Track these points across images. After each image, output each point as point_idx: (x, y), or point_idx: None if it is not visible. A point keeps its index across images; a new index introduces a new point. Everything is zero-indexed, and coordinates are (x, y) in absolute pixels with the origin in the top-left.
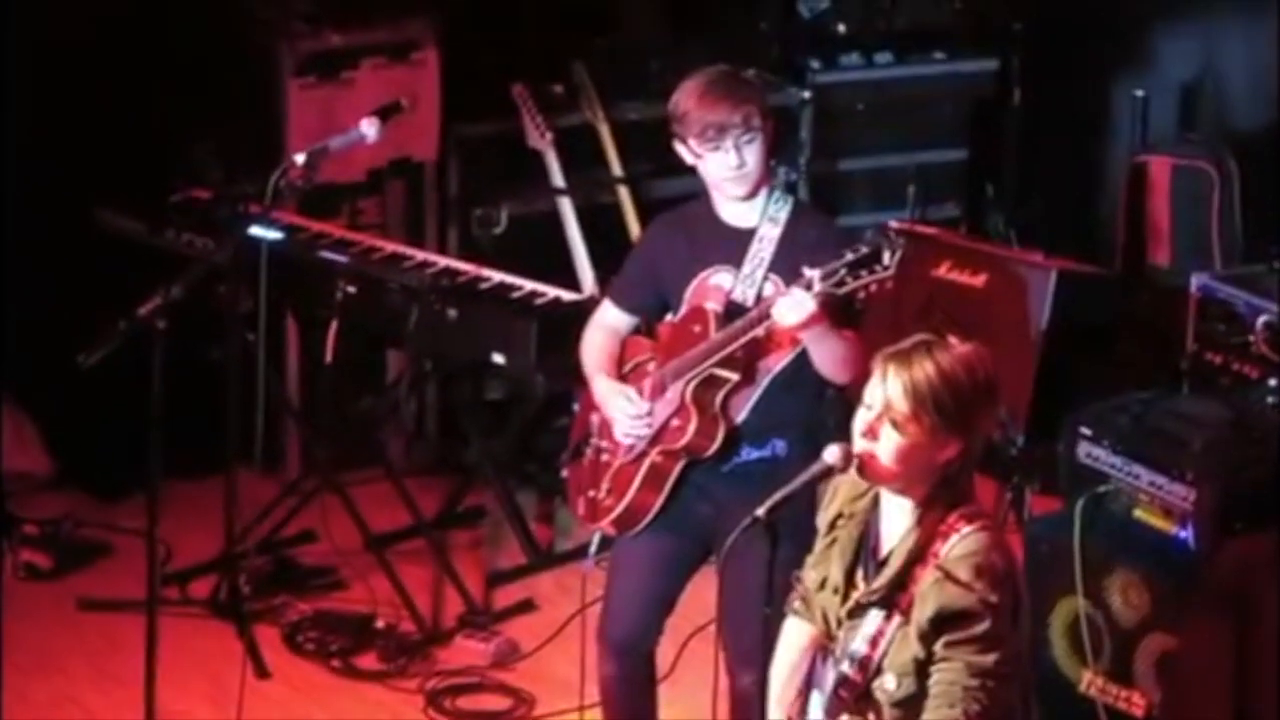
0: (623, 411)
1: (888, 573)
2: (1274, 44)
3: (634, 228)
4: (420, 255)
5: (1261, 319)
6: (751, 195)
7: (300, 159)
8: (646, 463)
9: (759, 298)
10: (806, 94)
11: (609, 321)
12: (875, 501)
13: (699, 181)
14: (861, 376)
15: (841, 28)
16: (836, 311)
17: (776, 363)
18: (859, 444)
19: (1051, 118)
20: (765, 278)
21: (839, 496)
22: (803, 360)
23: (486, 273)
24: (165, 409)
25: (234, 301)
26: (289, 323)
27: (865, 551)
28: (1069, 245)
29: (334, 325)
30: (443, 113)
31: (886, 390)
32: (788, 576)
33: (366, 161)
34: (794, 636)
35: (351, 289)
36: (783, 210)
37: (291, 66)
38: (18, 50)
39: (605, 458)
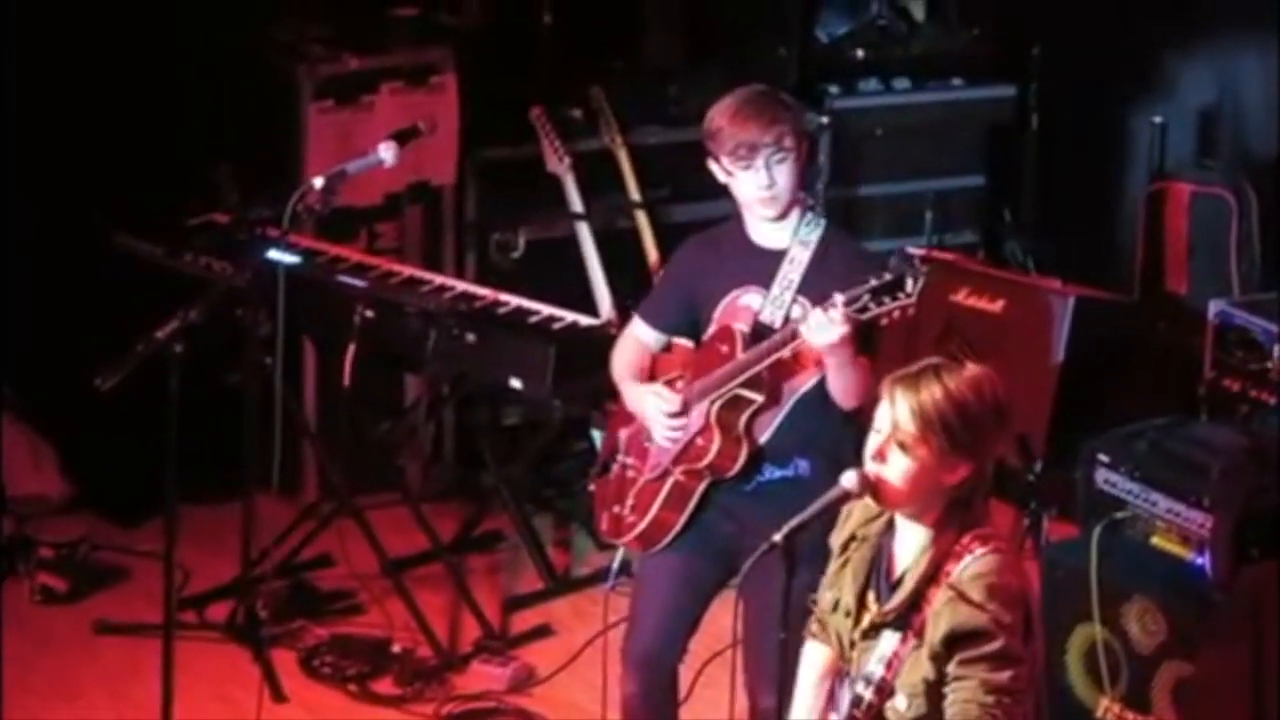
0: (656, 409)
1: (901, 594)
2: None
3: (652, 253)
4: (438, 279)
5: (1279, 346)
6: (782, 216)
7: (318, 183)
8: (670, 481)
9: (786, 319)
10: (824, 119)
11: (639, 338)
12: (889, 524)
13: (716, 207)
14: (870, 402)
15: (860, 53)
16: (859, 337)
17: (802, 384)
18: (869, 467)
19: (1069, 144)
20: (793, 300)
21: (852, 519)
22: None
23: (504, 297)
24: (182, 432)
25: (252, 325)
26: (306, 347)
27: (878, 574)
28: (1087, 271)
29: (351, 349)
30: (461, 137)
31: (895, 413)
32: (806, 601)
33: (384, 185)
34: (813, 660)
35: (369, 313)
36: (814, 233)
37: (310, 90)
38: (37, 74)
39: (631, 474)
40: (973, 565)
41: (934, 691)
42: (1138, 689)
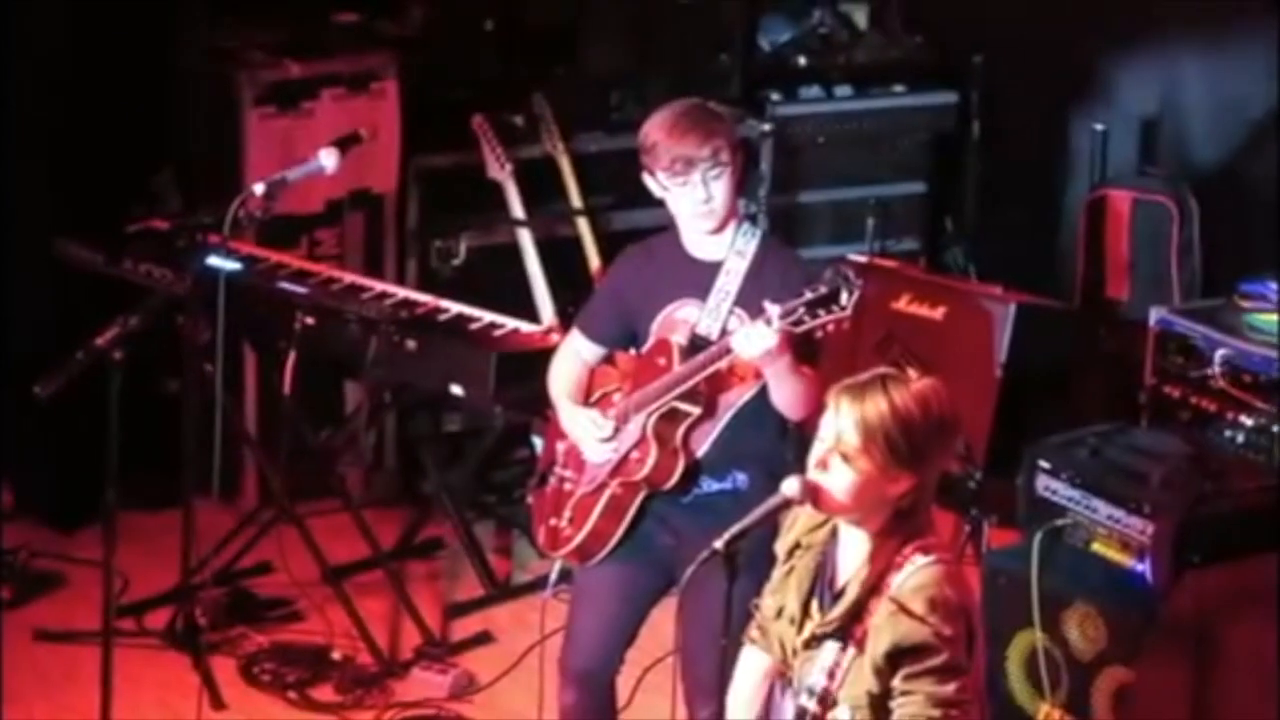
0: (588, 434)
1: (843, 604)
2: (1234, 78)
3: (594, 260)
4: (379, 286)
5: (1220, 353)
6: (719, 229)
7: (259, 189)
8: (607, 493)
9: (724, 331)
10: (767, 126)
11: (577, 350)
12: (833, 532)
13: (659, 215)
14: (818, 411)
15: (802, 60)
16: (797, 348)
17: (738, 396)
18: (811, 474)
19: (1011, 151)
20: (730, 311)
21: (797, 525)
22: (765, 394)
23: (445, 304)
24: (122, 439)
25: (192, 332)
26: (247, 353)
27: (822, 582)
28: (1028, 279)
29: (292, 356)
30: (402, 144)
31: (838, 424)
32: (747, 609)
33: (325, 192)
34: (751, 665)
35: (310, 320)
36: (750, 243)
37: (251, 97)
38: None
39: (568, 486)
40: (914, 577)
41: (878, 704)
42: (1078, 695)
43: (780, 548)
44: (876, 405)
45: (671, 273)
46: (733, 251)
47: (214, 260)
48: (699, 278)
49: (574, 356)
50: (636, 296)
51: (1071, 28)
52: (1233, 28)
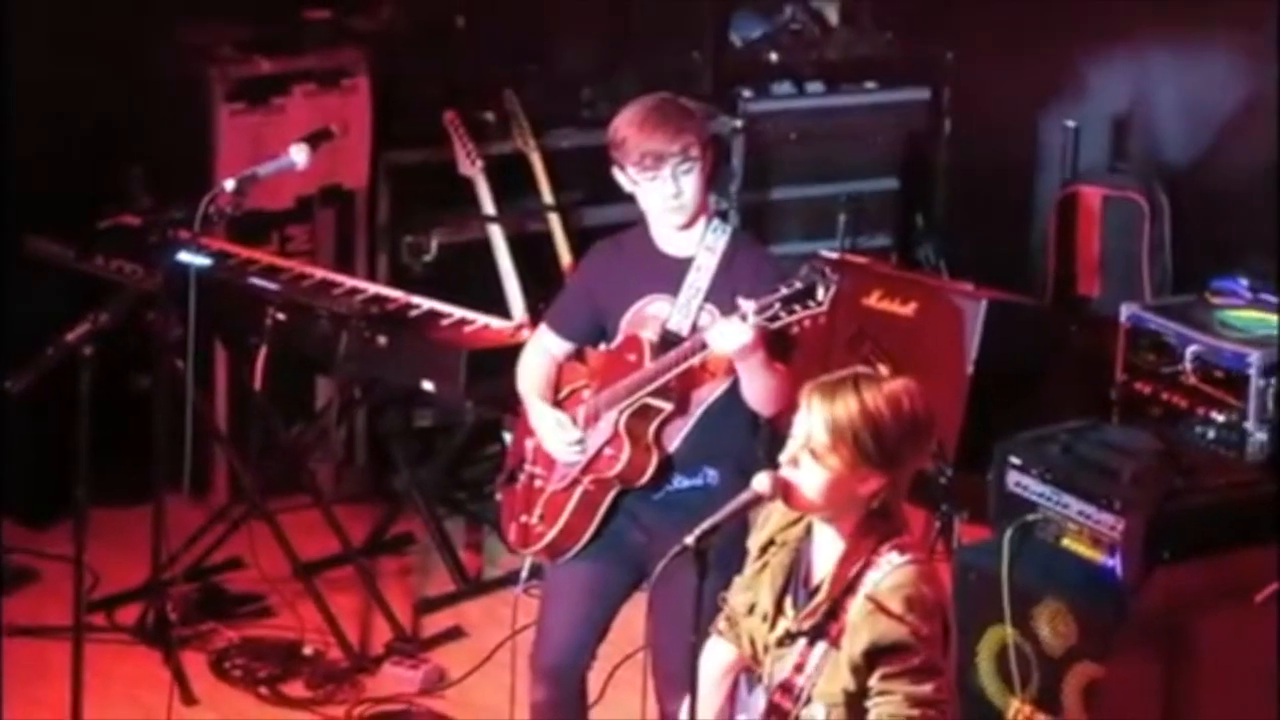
0: (556, 437)
1: (818, 602)
2: (1205, 75)
3: (565, 256)
4: (350, 282)
5: (1191, 349)
6: (689, 225)
7: (230, 185)
8: (579, 490)
9: (694, 327)
10: (738, 123)
11: (546, 347)
12: (808, 530)
13: (631, 210)
14: (790, 407)
15: (774, 57)
16: (770, 343)
17: (709, 393)
18: (782, 471)
19: (982, 148)
20: (701, 307)
21: (771, 522)
22: (736, 391)
23: (416, 300)
24: (93, 435)
25: (163, 328)
26: (218, 349)
27: (796, 580)
28: (1000, 275)
29: (263, 352)
30: (373, 140)
31: (809, 422)
32: (717, 604)
33: (296, 188)
34: (716, 657)
35: (281, 316)
36: (720, 239)
37: (222, 93)
38: None
39: (538, 484)
40: (891, 576)
41: (854, 703)
42: (1048, 691)
43: (753, 544)
44: (846, 405)
45: (641, 268)
46: (703, 247)
47: (185, 256)
48: (669, 273)
49: (543, 352)
50: (606, 292)
51: (1042, 25)
52: (1203, 25)
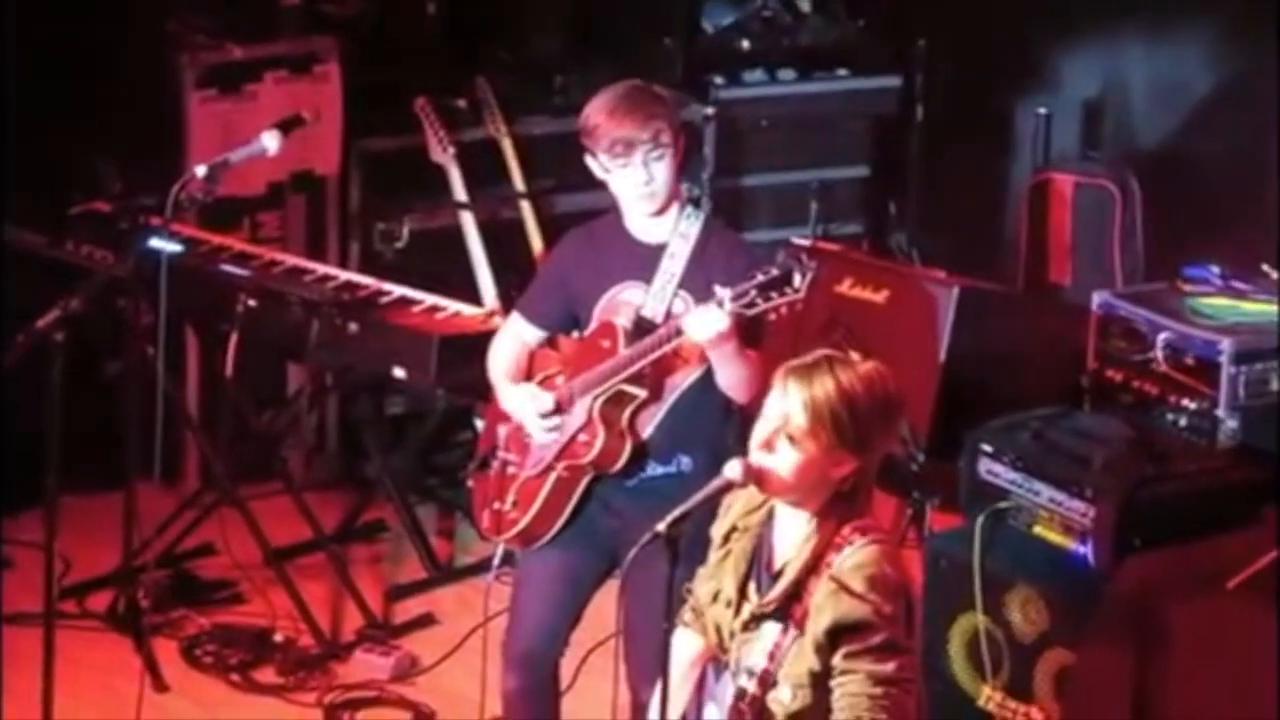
0: (528, 409)
1: (781, 584)
2: (1176, 63)
3: (536, 243)
4: (321, 269)
5: (1162, 336)
6: (661, 212)
7: (201, 172)
8: (552, 476)
9: (668, 314)
10: (710, 110)
11: (518, 334)
12: (769, 515)
13: (602, 197)
14: (761, 395)
15: (745, 44)
16: (744, 331)
17: (683, 380)
18: (755, 456)
19: (954, 135)
20: (675, 294)
21: (734, 510)
22: (709, 378)
23: (388, 287)
24: (64, 422)
25: (134, 314)
26: (189, 336)
27: (758, 565)
28: (971, 262)
29: (234, 339)
30: (345, 126)
31: (785, 405)
32: (682, 595)
33: (267, 175)
34: (684, 649)
35: (252, 302)
36: (694, 226)
37: (193, 79)
38: None
39: (511, 470)
40: (853, 556)
41: (819, 683)
42: (1020, 678)
43: (716, 532)
44: (824, 386)
45: (614, 255)
46: (676, 234)
47: (156, 242)
48: (642, 260)
49: (515, 339)
50: (579, 279)
51: (1014, 12)
52: (1174, 12)
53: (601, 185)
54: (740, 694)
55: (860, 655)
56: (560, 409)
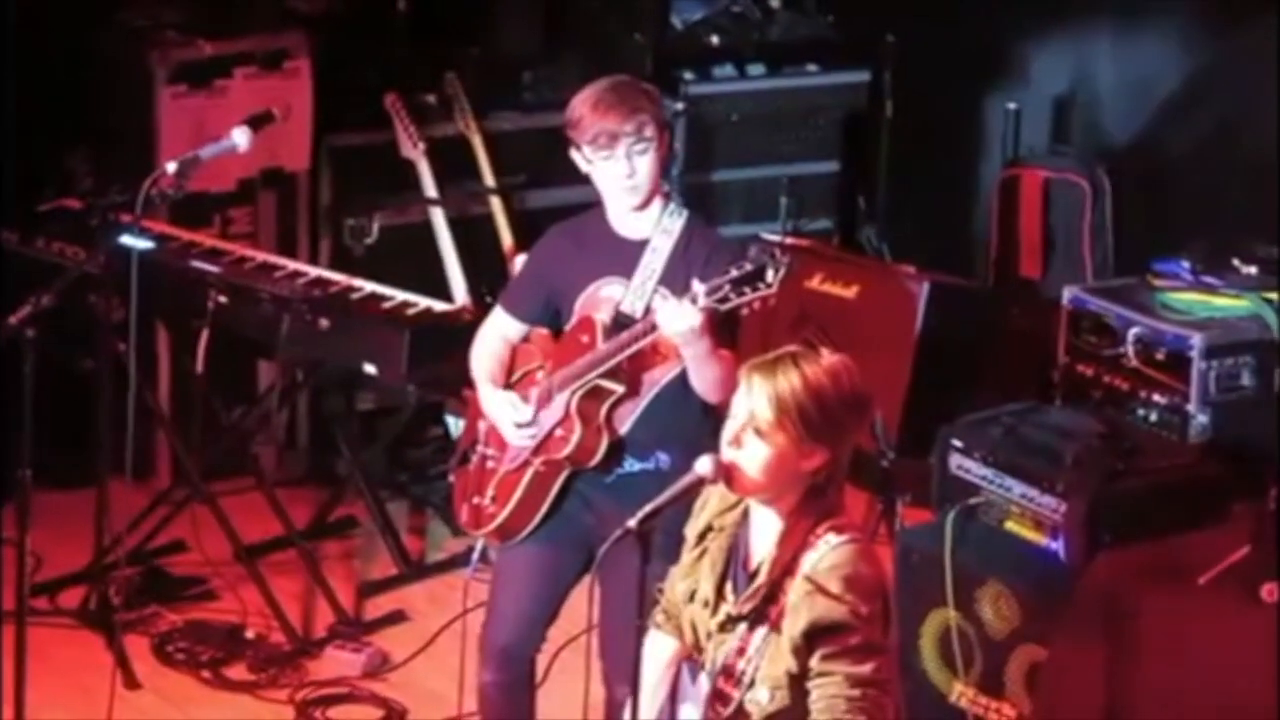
0: (507, 419)
1: (757, 584)
2: (1146, 57)
3: (506, 239)
4: (292, 265)
5: (1133, 331)
6: (643, 206)
7: (171, 168)
8: (530, 471)
9: (648, 310)
10: (680, 105)
11: (500, 328)
12: (745, 514)
13: (572, 193)
14: (732, 393)
15: (715, 39)
16: (719, 327)
17: (661, 375)
18: (725, 453)
19: (924, 130)
20: (655, 290)
21: (708, 508)
22: (688, 375)
23: (358, 283)
24: (35, 418)
25: (105, 310)
26: (160, 332)
27: (735, 564)
28: (941, 258)
29: (205, 335)
30: (315, 122)
31: (751, 400)
32: (655, 595)
33: (238, 171)
34: (657, 650)
35: (223, 298)
36: (676, 223)
37: (163, 75)
38: None
39: (491, 464)
40: (829, 556)
41: (796, 684)
42: (991, 673)
43: (691, 531)
44: (789, 379)
45: (597, 250)
46: (659, 230)
47: (126, 239)
48: (624, 256)
49: (497, 335)
50: (561, 274)
51: (983, 6)
52: (1143, 6)
53: (572, 181)
54: (717, 695)
55: (837, 657)
56: (539, 407)
